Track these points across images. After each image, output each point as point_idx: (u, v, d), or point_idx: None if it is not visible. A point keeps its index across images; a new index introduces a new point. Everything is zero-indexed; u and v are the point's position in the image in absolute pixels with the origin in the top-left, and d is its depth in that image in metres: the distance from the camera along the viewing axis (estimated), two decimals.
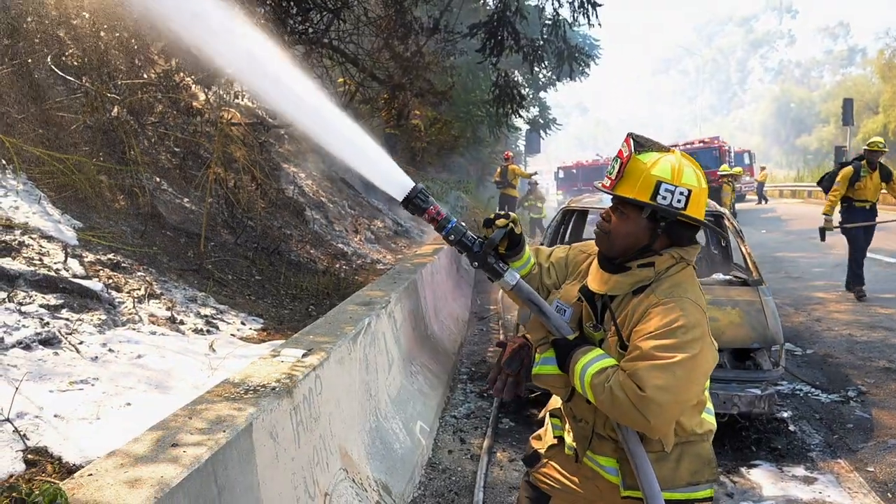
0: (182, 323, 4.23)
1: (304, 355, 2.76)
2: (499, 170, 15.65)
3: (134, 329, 3.89)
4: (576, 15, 10.67)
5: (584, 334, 1.87)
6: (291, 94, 1.77)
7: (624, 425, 1.75)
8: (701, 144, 20.06)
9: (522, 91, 13.69)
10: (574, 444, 2.02)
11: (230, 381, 2.41)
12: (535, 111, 22.14)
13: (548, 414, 2.22)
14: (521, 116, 16.00)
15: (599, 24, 11.39)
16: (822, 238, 8.05)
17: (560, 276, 2.06)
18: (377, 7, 9.93)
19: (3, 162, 4.72)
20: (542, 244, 4.90)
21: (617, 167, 1.77)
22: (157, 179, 6.37)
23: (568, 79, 17.62)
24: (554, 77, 20.13)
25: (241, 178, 7.00)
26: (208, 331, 4.24)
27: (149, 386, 3.17)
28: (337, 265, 7.56)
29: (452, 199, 15.28)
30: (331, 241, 8.58)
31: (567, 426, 2.08)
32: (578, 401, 1.90)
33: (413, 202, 1.81)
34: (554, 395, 2.24)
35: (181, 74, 5.79)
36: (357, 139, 1.87)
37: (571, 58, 12.45)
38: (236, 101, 7.29)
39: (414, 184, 1.84)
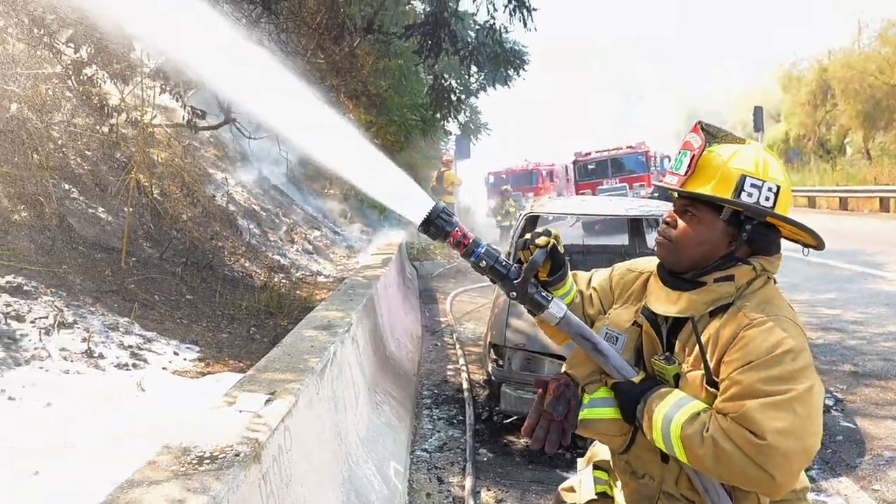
0: (101, 357, 3.56)
1: (267, 401, 2.25)
2: (435, 174, 15.28)
3: (41, 368, 3.22)
4: (511, 18, 10.68)
5: (650, 372, 1.51)
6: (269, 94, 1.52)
7: (710, 481, 1.41)
8: (629, 150, 20.39)
9: (458, 95, 13.53)
10: None
11: (176, 446, 1.88)
12: (465, 116, 21.97)
13: (590, 466, 1.83)
14: (456, 120, 15.71)
15: (535, 29, 11.42)
16: None
17: (605, 302, 1.70)
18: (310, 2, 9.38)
19: None
20: (508, 252, 4.51)
21: (686, 160, 1.49)
22: (67, 186, 5.54)
23: (501, 84, 17.56)
24: (485, 82, 20.06)
25: (165, 184, 6.25)
26: (135, 365, 3.60)
27: (63, 445, 2.55)
28: (275, 279, 6.92)
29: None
30: (266, 253, 7.90)
31: (618, 482, 1.71)
32: (641, 452, 1.54)
33: (434, 224, 1.49)
34: (596, 443, 1.87)
35: (93, 66, 5.05)
36: (356, 150, 1.55)
37: (507, 62, 12.46)
38: (157, 99, 6.54)
39: (434, 202, 1.51)
